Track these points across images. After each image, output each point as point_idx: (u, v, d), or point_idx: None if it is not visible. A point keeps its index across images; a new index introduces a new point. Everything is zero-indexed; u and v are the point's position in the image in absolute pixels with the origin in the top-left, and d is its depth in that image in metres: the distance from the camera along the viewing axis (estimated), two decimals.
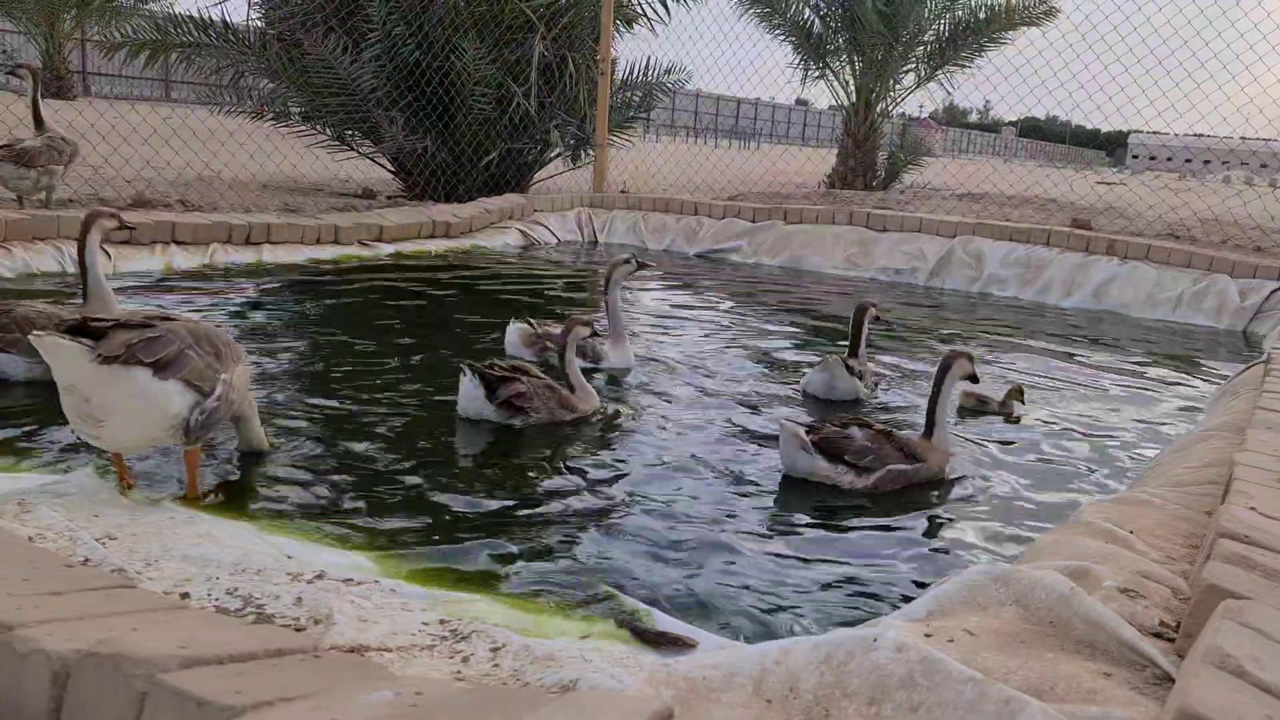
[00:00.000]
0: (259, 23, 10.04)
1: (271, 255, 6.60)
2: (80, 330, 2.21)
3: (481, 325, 5.23)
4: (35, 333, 2.16)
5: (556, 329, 4.34)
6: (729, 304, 6.70)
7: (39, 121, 6.39)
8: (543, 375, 3.65)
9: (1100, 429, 4.07)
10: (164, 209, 7.05)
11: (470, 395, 3.51)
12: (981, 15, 14.13)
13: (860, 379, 4.30)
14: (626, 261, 4.51)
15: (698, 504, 2.89)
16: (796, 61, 14.77)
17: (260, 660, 1.34)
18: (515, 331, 4.48)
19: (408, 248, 7.44)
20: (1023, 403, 4.21)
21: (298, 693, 1.23)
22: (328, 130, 10.17)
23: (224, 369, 2.48)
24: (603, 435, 3.56)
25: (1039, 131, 77.16)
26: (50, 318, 3.47)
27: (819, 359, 4.31)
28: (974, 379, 3.51)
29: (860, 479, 3.10)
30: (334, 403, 3.60)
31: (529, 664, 1.68)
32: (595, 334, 4.10)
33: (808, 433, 3.09)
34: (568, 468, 3.15)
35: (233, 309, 5.11)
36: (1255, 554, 1.77)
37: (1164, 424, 4.23)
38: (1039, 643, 1.63)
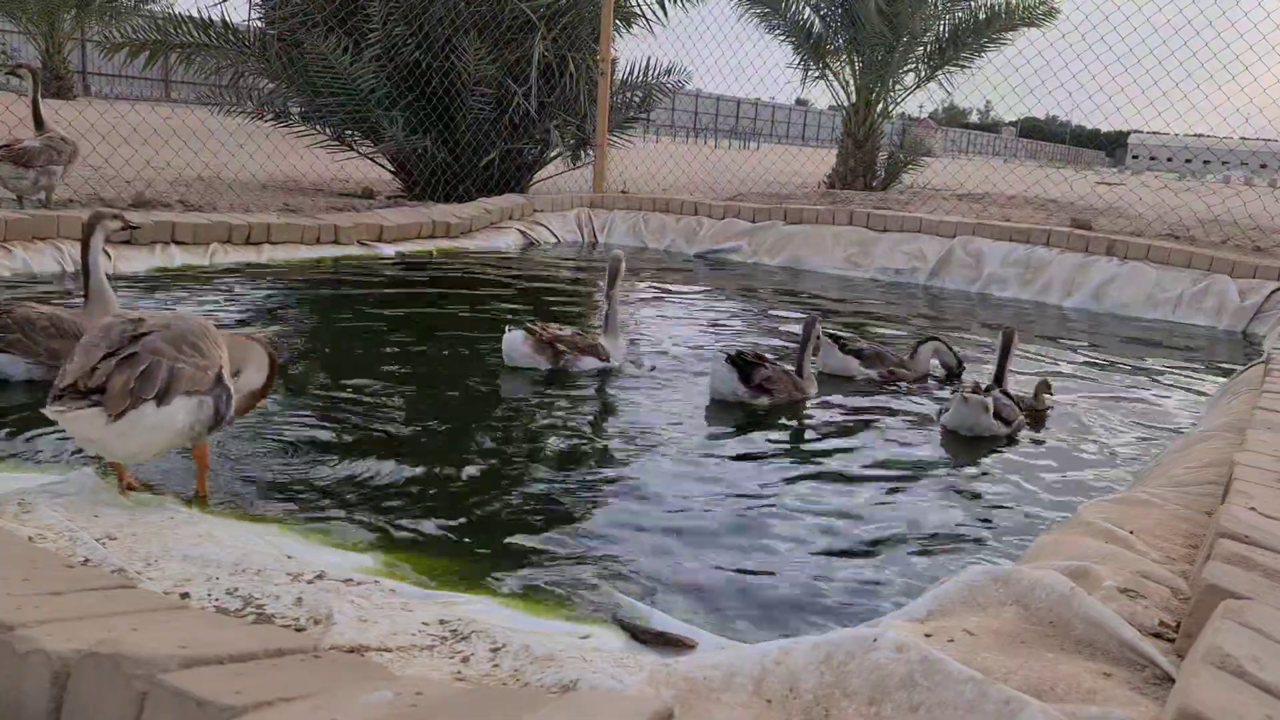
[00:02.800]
0: (259, 23, 10.04)
1: (271, 255, 6.60)
2: (74, 392, 2.27)
3: (482, 325, 5.23)
4: (51, 410, 2.26)
5: (563, 331, 4.28)
6: (729, 303, 6.70)
7: (39, 121, 6.37)
8: (778, 362, 4.12)
9: (1099, 428, 4.07)
10: (164, 209, 7.04)
11: (725, 379, 3.92)
12: (981, 15, 14.14)
13: (862, 358, 4.51)
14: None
15: (698, 504, 2.89)
16: (796, 61, 14.78)
17: (260, 660, 1.34)
18: (521, 340, 4.20)
19: (408, 248, 7.44)
20: (1050, 394, 4.24)
21: (298, 693, 1.23)
22: (328, 130, 10.17)
23: (212, 362, 2.48)
24: (604, 434, 3.56)
25: (1039, 131, 77.15)
26: (51, 319, 3.47)
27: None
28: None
29: (1007, 428, 3.84)
30: (333, 403, 3.60)
31: (529, 664, 1.68)
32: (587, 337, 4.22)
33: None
34: (569, 468, 3.15)
35: (232, 310, 5.11)
36: (1255, 554, 1.77)
37: (1163, 424, 4.23)
38: (1039, 643, 1.63)
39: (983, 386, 3.88)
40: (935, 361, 4.73)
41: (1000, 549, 2.73)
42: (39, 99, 6.40)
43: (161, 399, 2.33)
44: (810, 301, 7.05)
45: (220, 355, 2.54)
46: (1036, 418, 4.14)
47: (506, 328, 4.28)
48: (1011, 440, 3.84)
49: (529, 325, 4.25)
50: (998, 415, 3.80)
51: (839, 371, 4.54)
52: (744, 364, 3.93)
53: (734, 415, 3.87)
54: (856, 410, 4.15)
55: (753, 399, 3.96)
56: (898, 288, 7.99)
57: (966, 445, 3.75)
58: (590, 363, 4.26)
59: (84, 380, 2.28)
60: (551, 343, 4.20)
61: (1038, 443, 3.83)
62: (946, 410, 3.90)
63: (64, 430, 2.75)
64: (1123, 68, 10.30)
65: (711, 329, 5.70)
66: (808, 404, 4.14)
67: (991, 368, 4.21)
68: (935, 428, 3.92)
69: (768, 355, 4.09)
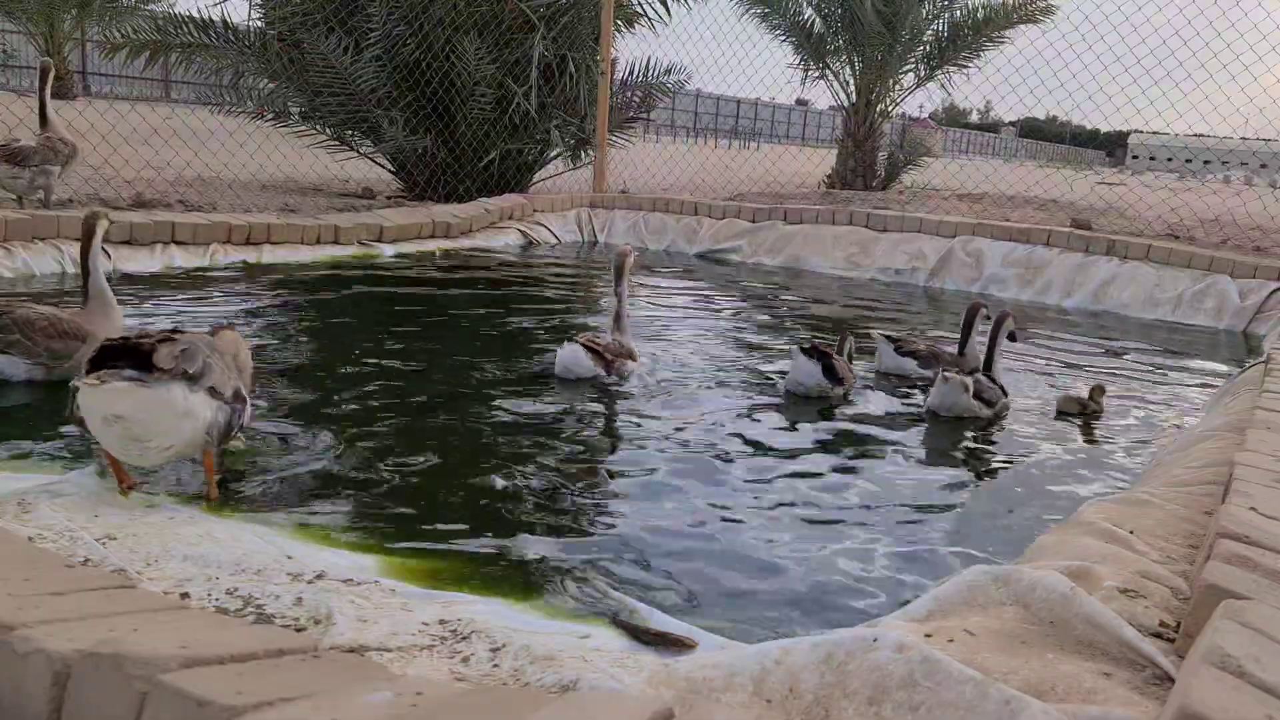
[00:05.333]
0: (259, 23, 10.04)
1: (271, 255, 6.60)
2: (118, 352, 2.26)
3: (482, 325, 5.24)
4: (83, 382, 2.21)
5: (604, 338, 4.23)
6: (729, 303, 6.70)
7: (44, 119, 6.34)
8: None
9: (1100, 428, 4.07)
10: (164, 209, 7.05)
11: (809, 371, 4.06)
12: (980, 14, 14.14)
13: (918, 358, 4.60)
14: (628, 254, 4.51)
15: (699, 503, 2.89)
16: (796, 61, 14.78)
17: (261, 660, 1.34)
18: (584, 354, 4.08)
19: (408, 248, 7.44)
20: (1104, 397, 4.29)
21: (298, 693, 1.23)
22: (328, 130, 10.17)
23: (234, 375, 2.54)
24: (604, 434, 3.56)
25: (1039, 131, 77.05)
26: (50, 319, 3.47)
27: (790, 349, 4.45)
28: (1013, 337, 4.37)
29: (989, 410, 4.02)
30: (333, 403, 3.60)
31: (529, 664, 1.68)
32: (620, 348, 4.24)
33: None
34: (569, 468, 3.14)
35: (232, 310, 5.11)
36: (1255, 554, 1.77)
37: (1164, 424, 4.23)
38: (1039, 643, 1.63)
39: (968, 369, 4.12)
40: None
41: (1000, 549, 2.73)
42: (46, 97, 6.36)
43: (195, 381, 2.35)
44: (812, 301, 7.06)
45: (244, 374, 2.59)
46: (1091, 418, 4.17)
47: (563, 341, 4.19)
48: (989, 424, 3.97)
49: (579, 339, 4.14)
50: (979, 397, 3.95)
51: (895, 371, 4.59)
52: (821, 355, 4.07)
53: (736, 416, 3.87)
54: (880, 407, 4.17)
55: (831, 389, 4.10)
56: (898, 288, 7.99)
57: (972, 442, 3.75)
58: (631, 365, 4.26)
59: (129, 339, 2.29)
60: (601, 353, 4.12)
61: (1037, 443, 3.83)
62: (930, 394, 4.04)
63: (63, 429, 2.73)
64: (1123, 68, 10.31)
65: (715, 330, 5.70)
66: (830, 402, 4.18)
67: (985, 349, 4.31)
68: (949, 427, 3.94)
69: (830, 345, 4.25)
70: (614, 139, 10.68)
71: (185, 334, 2.45)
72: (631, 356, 4.28)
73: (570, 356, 4.10)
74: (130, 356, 2.27)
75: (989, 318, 4.68)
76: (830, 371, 4.07)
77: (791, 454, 3.46)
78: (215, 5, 11.06)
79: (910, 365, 4.57)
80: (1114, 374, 5.19)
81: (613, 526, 2.67)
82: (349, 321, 5.22)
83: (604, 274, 7.55)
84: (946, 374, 3.95)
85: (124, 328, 3.59)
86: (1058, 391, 4.48)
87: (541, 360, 4.51)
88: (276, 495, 2.68)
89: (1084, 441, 3.88)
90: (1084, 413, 4.20)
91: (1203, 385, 5.07)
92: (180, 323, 4.58)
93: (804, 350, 4.08)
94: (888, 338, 4.64)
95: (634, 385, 4.22)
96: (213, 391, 2.41)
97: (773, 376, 4.54)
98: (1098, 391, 4.27)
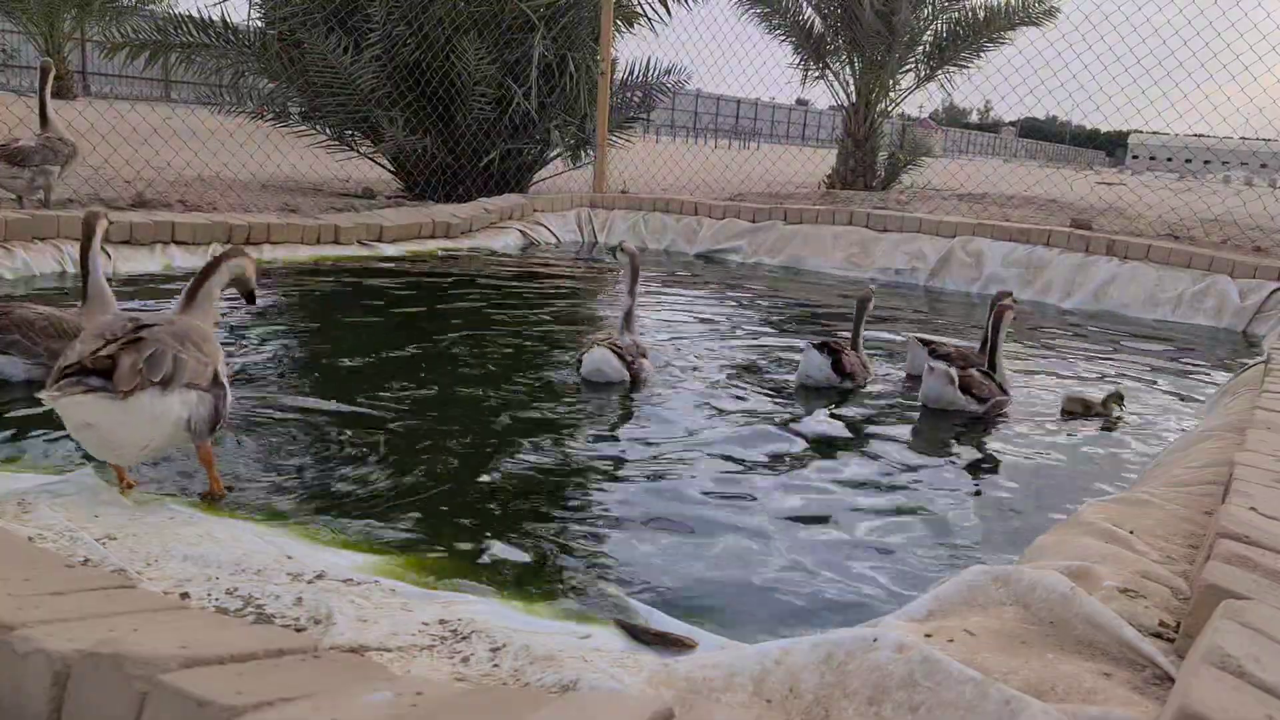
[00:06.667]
0: (259, 23, 10.04)
1: (271, 255, 6.60)
2: (80, 370, 2.22)
3: (482, 325, 5.23)
4: (48, 394, 2.18)
5: (625, 340, 4.21)
6: (729, 303, 6.70)
7: (44, 119, 6.33)
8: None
9: (1099, 428, 4.07)
10: (164, 209, 7.04)
11: (819, 365, 4.19)
12: (981, 15, 14.13)
13: (950, 363, 4.36)
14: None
15: (699, 503, 2.89)
16: (796, 61, 14.77)
17: (261, 660, 1.34)
18: (614, 358, 4.06)
19: (408, 248, 7.44)
20: (1121, 407, 4.25)
21: (298, 693, 1.23)
22: (328, 130, 10.18)
23: (211, 360, 2.49)
24: (604, 434, 3.56)
25: (1039, 131, 77.07)
26: (50, 319, 3.47)
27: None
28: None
29: (980, 406, 4.02)
30: (334, 404, 3.60)
31: (529, 664, 1.68)
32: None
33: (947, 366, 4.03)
34: (570, 467, 3.15)
35: (232, 310, 5.11)
36: (1255, 554, 1.77)
37: (1164, 424, 4.23)
38: (1039, 643, 1.63)
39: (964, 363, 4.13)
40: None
41: (1000, 549, 2.73)
42: (46, 97, 6.36)
43: (165, 386, 2.30)
44: (812, 301, 7.06)
45: (218, 356, 2.54)
46: (1106, 426, 4.13)
47: (592, 346, 4.15)
48: (986, 422, 3.99)
49: (604, 343, 4.10)
50: (968, 391, 4.00)
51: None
52: (832, 350, 4.19)
53: (739, 414, 3.87)
54: (888, 404, 4.18)
55: (840, 384, 4.25)
56: (898, 288, 7.99)
57: (975, 441, 3.75)
58: (646, 366, 4.22)
59: (89, 360, 2.23)
60: (623, 355, 4.08)
61: (1038, 443, 3.83)
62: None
63: (64, 430, 2.74)
64: (1123, 68, 10.32)
65: (718, 329, 5.70)
66: (840, 396, 4.19)
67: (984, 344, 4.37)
68: (954, 426, 3.95)
69: (843, 340, 4.37)
70: (614, 139, 10.68)
71: (154, 327, 2.38)
72: (644, 356, 4.28)
73: (602, 359, 4.07)
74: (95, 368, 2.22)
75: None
76: (839, 366, 4.17)
77: (796, 452, 3.46)
78: (215, 5, 11.08)
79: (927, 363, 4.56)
80: (1114, 374, 5.19)
81: (614, 526, 2.67)
82: (349, 322, 5.22)
83: (604, 274, 7.55)
84: (932, 363, 4.02)
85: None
86: (1061, 391, 4.48)
87: (544, 361, 4.51)
88: (276, 495, 2.68)
89: (1085, 441, 3.88)
90: (1087, 413, 4.20)
91: (1203, 385, 5.07)
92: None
93: (815, 345, 4.19)
94: (921, 341, 4.62)
95: (643, 391, 4.22)
96: (188, 386, 2.37)
97: (775, 374, 4.54)
98: (1114, 399, 4.24)
